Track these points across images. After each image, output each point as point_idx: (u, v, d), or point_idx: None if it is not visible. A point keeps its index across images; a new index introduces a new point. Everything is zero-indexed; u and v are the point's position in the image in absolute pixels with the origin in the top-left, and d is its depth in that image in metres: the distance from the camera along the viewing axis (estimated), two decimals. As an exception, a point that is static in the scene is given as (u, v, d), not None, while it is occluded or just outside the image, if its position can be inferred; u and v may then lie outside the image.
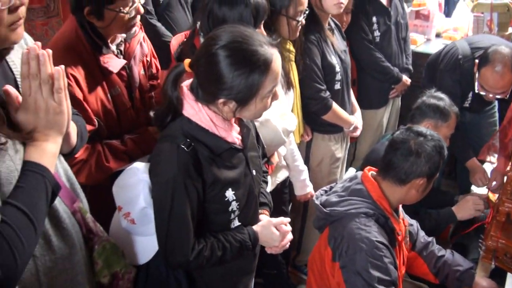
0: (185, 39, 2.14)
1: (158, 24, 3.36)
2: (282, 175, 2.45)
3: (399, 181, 1.96)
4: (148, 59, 2.17)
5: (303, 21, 2.35)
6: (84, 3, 1.79)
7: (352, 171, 2.83)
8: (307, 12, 2.35)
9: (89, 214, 1.47)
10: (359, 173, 2.08)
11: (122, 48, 2.02)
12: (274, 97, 1.58)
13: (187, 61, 1.54)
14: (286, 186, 2.65)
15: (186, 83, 1.58)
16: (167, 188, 1.51)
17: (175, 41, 2.18)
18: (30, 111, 1.19)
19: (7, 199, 1.12)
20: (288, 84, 2.34)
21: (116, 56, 1.96)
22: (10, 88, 1.21)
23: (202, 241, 1.61)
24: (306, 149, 2.86)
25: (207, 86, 1.51)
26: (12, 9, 1.11)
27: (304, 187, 2.60)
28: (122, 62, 1.96)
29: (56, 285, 1.32)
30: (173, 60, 2.13)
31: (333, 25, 2.86)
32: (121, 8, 1.82)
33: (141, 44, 2.11)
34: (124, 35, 1.98)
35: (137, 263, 1.67)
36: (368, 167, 2.09)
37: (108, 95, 1.91)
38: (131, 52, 2.04)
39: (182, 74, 1.55)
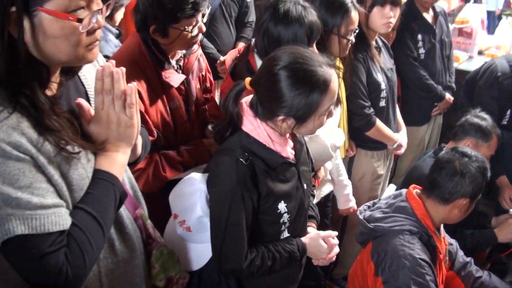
0: (238, 55, 2.23)
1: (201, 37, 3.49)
2: (326, 189, 2.51)
3: (443, 200, 1.99)
4: (203, 73, 2.27)
5: (353, 40, 2.41)
6: (150, 22, 1.89)
7: (392, 188, 2.86)
8: (357, 31, 2.41)
9: (149, 220, 1.56)
10: (404, 190, 2.12)
11: (181, 63, 2.12)
12: (329, 114, 1.65)
13: (247, 79, 1.62)
14: (329, 199, 2.70)
15: (245, 100, 1.66)
16: (225, 198, 1.58)
17: (230, 56, 2.27)
18: (103, 124, 1.27)
19: (78, 204, 1.21)
20: (337, 101, 2.40)
21: (176, 71, 2.06)
22: (82, 101, 1.30)
23: (254, 251, 1.68)
24: (348, 164, 2.91)
25: (267, 104, 1.59)
26: (91, 32, 1.18)
27: (347, 201, 2.65)
28: (182, 77, 2.06)
29: (116, 286, 1.39)
30: (227, 74, 2.22)
31: (380, 43, 2.91)
32: (186, 27, 1.92)
33: (199, 59, 2.22)
34: (184, 51, 2.08)
35: (190, 269, 1.75)
36: (413, 185, 2.12)
37: (168, 108, 2.01)
38: (190, 67, 2.14)
39: (243, 91, 1.64)
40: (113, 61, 1.26)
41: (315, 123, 1.62)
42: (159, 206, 1.77)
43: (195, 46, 2.09)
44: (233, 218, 1.59)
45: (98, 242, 1.21)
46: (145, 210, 1.58)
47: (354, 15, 2.37)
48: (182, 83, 2.08)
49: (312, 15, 2.01)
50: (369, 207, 2.24)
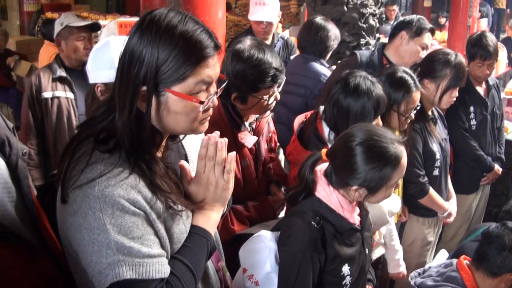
0: (305, 119, 2.40)
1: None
2: (379, 251, 2.60)
3: (491, 273, 2.07)
4: (270, 135, 2.45)
5: (413, 116, 2.55)
6: (232, 90, 2.09)
7: (444, 254, 2.91)
8: (418, 107, 2.55)
9: (228, 273, 1.69)
10: (454, 260, 2.20)
11: (253, 125, 2.31)
12: (396, 187, 1.79)
13: (324, 150, 1.79)
14: (380, 262, 2.77)
15: (319, 168, 1.82)
16: (296, 258, 1.71)
17: (297, 120, 2.44)
18: (202, 185, 1.42)
19: (176, 255, 1.35)
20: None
21: (249, 132, 2.23)
22: (185, 164, 1.48)
23: None
24: (400, 229, 2.99)
25: (342, 174, 1.74)
26: (206, 110, 1.35)
27: (398, 266, 2.72)
28: (254, 138, 2.24)
29: None
30: (294, 137, 2.38)
31: (436, 114, 3.04)
32: (264, 96, 2.11)
33: (268, 123, 2.41)
34: (257, 115, 2.26)
35: (256, 321, 1.86)
36: (463, 256, 2.20)
37: (239, 166, 2.18)
38: (260, 130, 2.33)
39: (319, 161, 1.79)
40: (218, 132, 1.42)
41: (385, 194, 1.76)
42: (225, 257, 1.91)
43: (267, 112, 2.26)
44: (301, 277, 1.71)
45: None
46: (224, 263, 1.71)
47: (415, 95, 2.52)
48: (253, 144, 2.25)
49: (379, 90, 2.17)
50: (419, 274, 2.31)
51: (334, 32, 3.60)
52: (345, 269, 1.80)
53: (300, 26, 6.26)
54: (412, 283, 2.22)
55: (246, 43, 2.11)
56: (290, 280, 1.72)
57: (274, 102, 2.19)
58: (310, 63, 3.57)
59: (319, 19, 3.62)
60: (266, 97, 2.11)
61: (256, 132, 2.31)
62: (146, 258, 1.24)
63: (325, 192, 1.77)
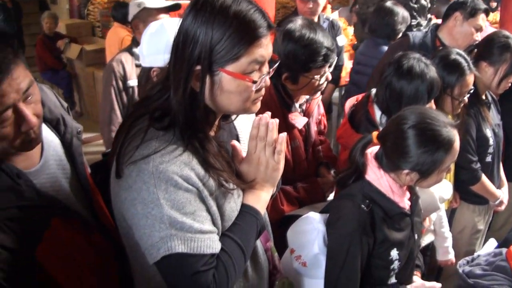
0: (355, 102, 2.36)
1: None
2: (428, 238, 2.56)
3: None
4: (320, 117, 2.43)
5: (466, 100, 2.48)
6: (283, 70, 2.09)
7: (493, 242, 2.84)
8: (471, 91, 2.48)
9: (276, 253, 1.70)
10: (504, 249, 2.14)
11: (304, 107, 2.30)
12: (448, 171, 1.74)
13: (375, 133, 1.76)
14: (428, 249, 2.73)
15: (370, 151, 1.79)
16: (345, 240, 1.70)
17: (349, 103, 2.42)
18: (253, 165, 1.43)
19: (226, 232, 1.37)
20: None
21: (300, 114, 2.22)
22: (236, 144, 1.49)
23: None
24: (450, 216, 2.92)
25: (393, 158, 1.70)
26: (259, 89, 1.36)
27: (447, 253, 2.67)
28: (305, 119, 2.24)
29: None
30: (345, 119, 2.35)
31: (490, 99, 2.94)
32: (315, 76, 2.09)
33: (318, 105, 2.39)
34: (307, 96, 2.25)
35: (303, 302, 1.87)
36: None
37: (289, 147, 2.18)
38: (311, 111, 2.32)
39: (369, 144, 1.77)
40: (269, 113, 1.43)
41: (436, 178, 1.72)
42: (274, 237, 1.92)
43: (318, 93, 2.24)
44: (350, 259, 1.70)
45: (240, 267, 1.37)
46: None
47: (469, 78, 2.44)
48: (303, 125, 2.24)
49: (433, 72, 2.12)
50: (468, 262, 2.26)
51: (402, 15, 3.81)
52: (394, 253, 1.78)
53: (349, 7, 6.19)
54: (460, 271, 2.17)
55: (298, 23, 2.09)
56: (339, 262, 1.71)
57: (325, 82, 2.17)
58: (380, 46, 3.86)
59: (388, 3, 3.87)
60: (317, 77, 2.10)
61: (306, 113, 2.30)
62: (198, 234, 1.27)
63: (376, 176, 1.75)
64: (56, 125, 1.57)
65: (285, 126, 2.13)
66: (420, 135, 1.65)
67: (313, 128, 2.34)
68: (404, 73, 2.11)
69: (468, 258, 2.31)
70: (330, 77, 2.17)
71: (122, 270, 1.65)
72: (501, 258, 2.10)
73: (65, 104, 1.67)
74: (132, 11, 3.19)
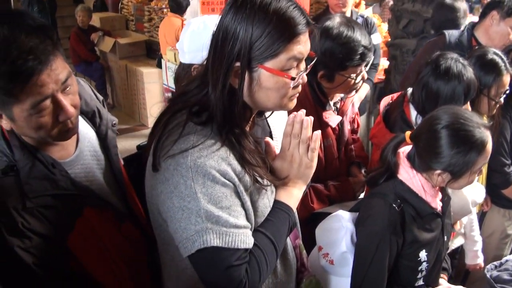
0: (390, 101, 2.35)
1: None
2: (458, 241, 2.53)
3: None
4: (353, 116, 2.42)
5: (502, 101, 2.44)
6: (319, 68, 2.08)
7: None
8: (507, 91, 2.43)
9: (305, 251, 1.70)
10: None
11: (338, 105, 2.29)
12: (480, 173, 1.72)
13: (408, 133, 1.75)
14: (458, 252, 2.70)
15: (402, 150, 1.78)
16: (374, 239, 1.70)
17: (384, 102, 2.41)
18: (286, 162, 1.44)
19: (259, 228, 1.39)
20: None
21: (334, 112, 2.22)
22: (270, 141, 1.50)
23: None
24: (479, 219, 2.87)
25: (426, 158, 1.69)
26: (296, 86, 1.37)
27: (476, 257, 2.63)
28: (339, 118, 2.23)
29: None
30: (379, 118, 2.34)
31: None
32: (352, 74, 2.08)
33: (353, 103, 2.38)
34: (342, 94, 2.24)
35: (330, 300, 1.87)
36: None
37: (322, 145, 2.18)
38: (345, 110, 2.31)
39: (402, 143, 1.76)
40: (304, 110, 1.43)
41: (468, 180, 1.70)
42: (302, 235, 1.93)
43: (353, 92, 2.24)
44: (378, 258, 1.70)
45: (271, 262, 1.38)
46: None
47: (506, 78, 2.39)
48: (337, 123, 2.24)
49: (470, 73, 2.09)
50: (496, 266, 2.23)
51: (463, 10, 3.77)
52: (423, 254, 1.77)
53: (381, 2, 6.11)
54: (488, 275, 2.15)
55: (336, 21, 2.09)
56: (367, 260, 1.71)
57: (361, 81, 2.16)
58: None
59: (448, 0, 3.82)
60: (353, 75, 2.09)
61: (340, 112, 2.30)
62: (233, 228, 1.28)
63: (408, 175, 1.74)
64: (91, 117, 1.60)
65: (319, 124, 2.13)
66: (453, 136, 1.64)
67: (347, 127, 2.33)
68: (442, 74, 2.09)
69: (496, 263, 2.28)
70: (366, 76, 2.15)
71: (153, 262, 1.68)
72: None
73: (101, 97, 1.71)
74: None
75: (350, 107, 2.35)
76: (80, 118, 1.51)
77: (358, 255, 1.76)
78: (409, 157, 1.76)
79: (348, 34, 2.03)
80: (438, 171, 1.68)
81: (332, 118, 2.19)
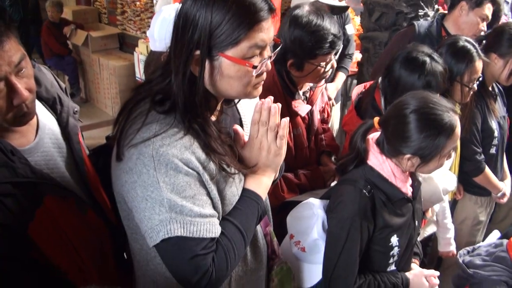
0: (363, 90, 2.35)
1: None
2: (430, 229, 2.56)
3: None
4: (323, 105, 2.41)
5: (475, 88, 2.45)
6: (289, 56, 2.07)
7: (496, 234, 2.82)
8: (480, 79, 2.45)
9: (275, 238, 1.69)
10: (505, 241, 2.12)
11: (307, 94, 2.28)
12: (449, 157, 1.73)
13: (376, 119, 1.75)
14: (430, 240, 2.73)
15: (371, 136, 1.78)
16: (345, 225, 1.70)
17: (356, 90, 2.41)
18: (255, 150, 1.42)
19: (227, 217, 1.37)
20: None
21: (303, 101, 2.21)
22: (239, 128, 1.48)
23: (362, 277, 1.77)
24: (451, 206, 2.91)
25: (395, 143, 1.70)
26: (260, 74, 1.34)
27: (448, 245, 2.67)
28: (308, 107, 2.23)
29: None
30: (352, 107, 2.34)
31: (496, 90, 2.92)
32: (321, 63, 2.07)
33: (323, 93, 2.38)
34: (311, 84, 2.23)
35: (301, 287, 1.87)
36: None
37: (291, 134, 2.17)
38: (314, 99, 2.30)
39: (371, 129, 1.76)
40: (272, 97, 1.41)
41: (437, 164, 1.71)
42: (273, 224, 1.91)
43: (322, 81, 2.23)
44: (349, 243, 1.70)
45: (240, 251, 1.36)
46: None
47: (478, 64, 2.41)
48: (306, 113, 2.23)
49: (437, 69, 2.08)
50: (468, 252, 2.25)
51: None
52: (394, 239, 1.78)
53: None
54: (460, 260, 2.16)
55: (305, 9, 2.08)
56: (338, 247, 1.71)
57: (330, 70, 2.15)
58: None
59: None
60: (323, 64, 2.08)
61: (310, 101, 2.29)
62: (198, 217, 1.26)
63: (378, 161, 1.74)
64: (52, 104, 1.57)
65: (288, 113, 2.12)
66: (422, 120, 1.64)
67: (316, 116, 2.33)
68: (406, 63, 2.10)
69: (469, 248, 2.30)
70: (335, 65, 2.15)
71: (116, 250, 1.66)
72: (502, 249, 2.09)
73: (63, 85, 1.67)
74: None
75: (319, 96, 2.35)
76: (40, 105, 1.49)
77: (329, 241, 1.76)
78: (378, 143, 1.77)
79: (318, 22, 2.03)
80: (408, 156, 1.68)
81: (301, 107, 2.18)
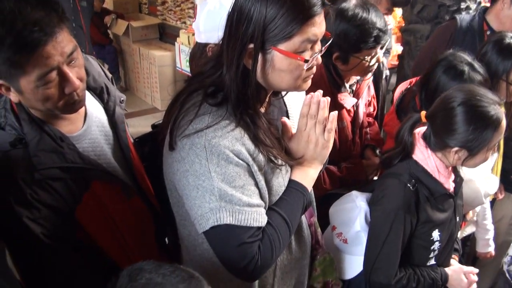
0: (408, 86, 2.35)
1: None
2: (469, 229, 2.55)
3: None
4: (370, 99, 2.43)
5: None
6: (334, 50, 2.08)
7: None
8: None
9: (320, 229, 1.73)
10: None
11: (354, 88, 2.29)
12: (493, 150, 1.75)
13: (423, 112, 1.77)
14: (469, 239, 2.72)
15: (418, 131, 1.80)
16: (389, 217, 1.72)
17: (399, 89, 2.41)
18: (302, 142, 1.45)
19: (273, 207, 1.41)
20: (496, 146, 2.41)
21: (349, 94, 2.23)
22: (287, 121, 1.51)
23: (403, 270, 1.79)
24: (490, 203, 2.88)
25: (443, 135, 1.71)
26: (310, 68, 1.37)
27: (487, 246, 2.65)
28: (354, 100, 2.24)
29: (285, 279, 1.58)
30: (394, 103, 2.35)
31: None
32: (366, 57, 2.08)
33: (369, 86, 2.38)
34: (358, 77, 2.25)
35: (343, 277, 1.91)
36: None
37: (337, 127, 2.17)
38: (360, 92, 2.31)
39: (418, 123, 1.77)
40: (321, 91, 1.44)
41: (484, 157, 1.72)
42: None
43: (369, 74, 2.24)
44: (392, 236, 1.73)
45: (285, 240, 1.40)
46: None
47: None
48: (352, 106, 2.25)
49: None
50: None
51: None
52: (435, 234, 1.80)
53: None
54: (505, 268, 2.12)
55: (352, 2, 2.08)
56: (380, 239, 1.74)
57: (376, 64, 2.16)
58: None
59: None
60: (367, 58, 2.09)
61: (356, 94, 2.30)
62: (246, 207, 1.31)
63: (423, 155, 1.76)
64: (99, 93, 1.63)
65: (334, 105, 2.10)
66: (469, 112, 1.65)
67: (362, 110, 2.34)
68: (446, 71, 2.05)
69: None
70: (381, 59, 2.16)
71: (160, 235, 1.73)
72: None
73: (110, 75, 1.73)
74: None
75: (366, 89, 2.35)
76: (88, 94, 1.54)
77: (372, 233, 1.79)
78: (425, 137, 1.78)
79: (363, 16, 2.03)
80: (455, 149, 1.69)
81: (347, 100, 2.20)
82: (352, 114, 2.29)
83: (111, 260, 1.53)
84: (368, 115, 2.46)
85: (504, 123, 1.68)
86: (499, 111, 1.67)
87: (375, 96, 2.50)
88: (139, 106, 6.68)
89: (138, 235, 1.63)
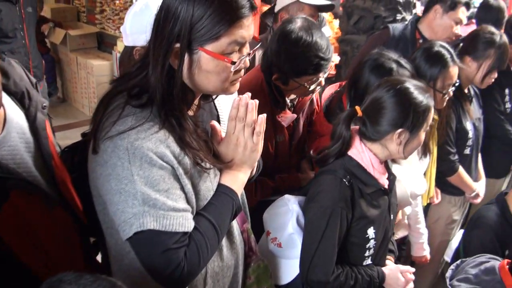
0: (338, 89, 2.36)
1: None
2: (401, 233, 2.57)
3: None
4: (312, 109, 2.40)
5: (451, 93, 2.44)
6: (274, 70, 2.05)
7: (460, 234, 2.77)
8: (457, 84, 2.44)
9: (253, 235, 1.70)
10: (496, 264, 1.91)
11: (295, 102, 2.25)
12: (431, 128, 1.85)
13: (357, 107, 1.79)
14: (404, 243, 2.75)
15: (353, 127, 1.82)
16: (325, 213, 1.72)
17: (328, 90, 2.40)
18: (231, 146, 1.43)
19: (201, 211, 1.38)
20: (425, 151, 2.45)
21: (289, 109, 2.19)
22: (216, 124, 1.49)
23: (340, 268, 1.79)
24: (425, 208, 2.94)
25: (382, 122, 1.75)
26: (238, 71, 1.36)
27: (421, 250, 2.69)
28: (293, 117, 2.19)
29: (217, 287, 1.54)
30: (321, 104, 2.35)
31: (472, 92, 2.97)
32: (305, 83, 2.05)
33: (312, 100, 2.33)
34: None
35: (278, 283, 1.88)
36: (507, 260, 1.91)
37: (273, 141, 2.15)
38: (302, 106, 2.27)
39: (354, 117, 1.79)
40: (249, 93, 1.42)
41: (419, 140, 1.79)
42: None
43: (310, 95, 2.21)
44: (329, 232, 1.72)
45: (213, 246, 1.37)
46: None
47: (453, 70, 2.39)
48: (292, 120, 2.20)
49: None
50: (453, 270, 2.08)
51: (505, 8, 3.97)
52: (370, 231, 1.81)
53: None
54: (448, 283, 2.04)
55: (297, 24, 2.03)
56: (317, 235, 1.73)
57: (318, 88, 2.12)
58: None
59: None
60: (308, 84, 2.05)
61: (297, 109, 2.25)
62: (171, 211, 1.27)
63: (357, 150, 1.78)
64: (20, 98, 1.53)
65: (272, 122, 2.10)
66: (401, 92, 1.73)
67: (301, 123, 2.29)
68: (374, 69, 2.08)
69: (458, 262, 2.07)
70: (323, 83, 2.11)
71: (86, 245, 1.65)
72: (496, 280, 1.85)
73: (34, 80, 1.64)
74: (283, 2, 2.99)
75: (308, 104, 2.30)
76: (8, 99, 1.46)
77: (308, 231, 1.78)
78: (361, 132, 1.80)
79: (307, 41, 1.98)
80: (398, 131, 1.72)
81: (286, 119, 2.15)
82: (291, 128, 2.24)
83: (33, 273, 1.43)
84: (309, 124, 2.42)
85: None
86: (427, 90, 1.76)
87: (317, 110, 2.45)
88: (76, 117, 6.50)
89: (62, 247, 1.53)
